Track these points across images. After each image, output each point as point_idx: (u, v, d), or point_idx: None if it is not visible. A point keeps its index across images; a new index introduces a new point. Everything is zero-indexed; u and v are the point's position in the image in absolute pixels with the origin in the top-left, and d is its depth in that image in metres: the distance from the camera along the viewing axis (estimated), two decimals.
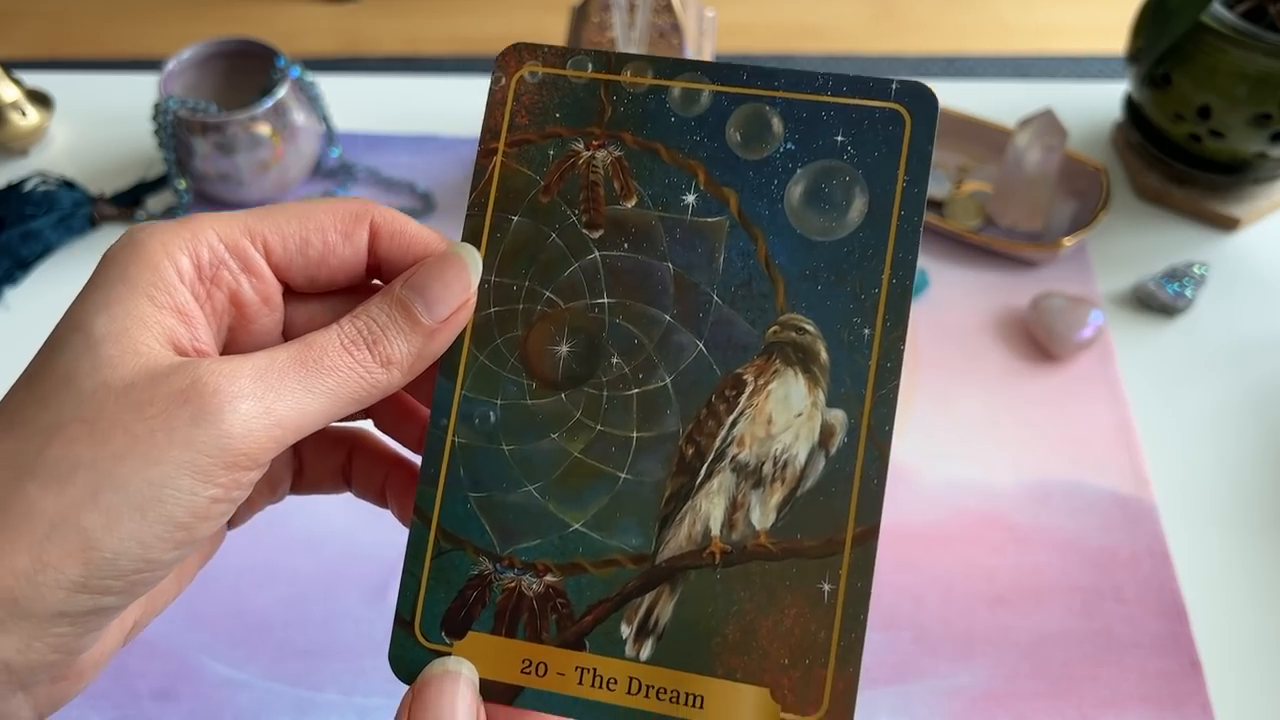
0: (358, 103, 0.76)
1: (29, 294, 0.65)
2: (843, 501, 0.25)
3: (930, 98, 0.26)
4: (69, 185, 0.68)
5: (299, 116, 0.67)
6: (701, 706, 0.25)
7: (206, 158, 0.65)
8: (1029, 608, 0.51)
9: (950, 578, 0.53)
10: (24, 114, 0.72)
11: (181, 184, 0.67)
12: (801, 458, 0.25)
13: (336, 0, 0.98)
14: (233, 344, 0.27)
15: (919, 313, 0.63)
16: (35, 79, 0.75)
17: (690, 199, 0.27)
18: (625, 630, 0.26)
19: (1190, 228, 0.68)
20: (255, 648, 0.49)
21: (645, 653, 0.25)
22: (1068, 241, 0.64)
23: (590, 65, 0.28)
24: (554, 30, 0.66)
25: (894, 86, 0.26)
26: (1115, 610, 0.51)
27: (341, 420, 0.27)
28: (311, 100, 0.68)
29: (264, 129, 0.65)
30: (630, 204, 0.27)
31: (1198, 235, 0.67)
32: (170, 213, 0.68)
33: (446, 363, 0.27)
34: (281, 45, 0.69)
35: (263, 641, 0.50)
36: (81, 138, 0.74)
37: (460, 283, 0.26)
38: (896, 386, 0.25)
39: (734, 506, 0.26)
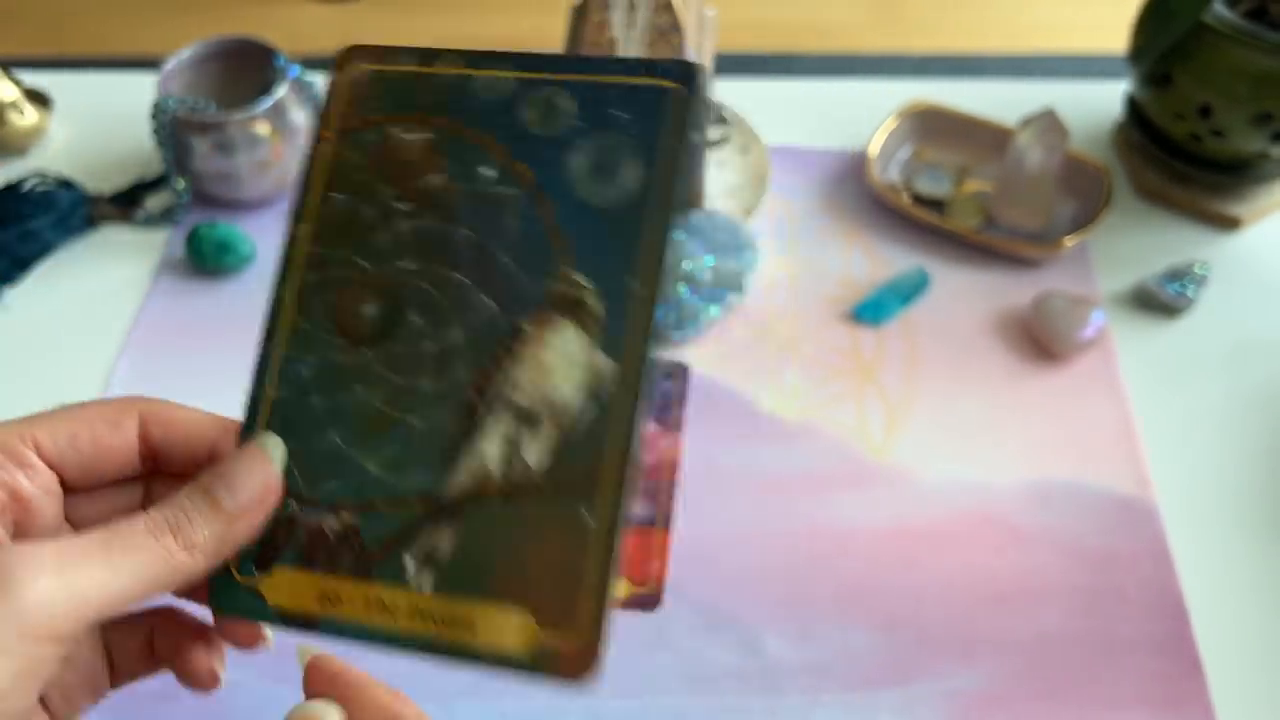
0: None
1: (28, 294, 0.65)
2: (606, 443, 0.28)
3: (692, 71, 0.29)
4: (67, 185, 0.68)
5: (298, 116, 0.67)
6: (474, 630, 0.28)
7: (205, 157, 0.65)
8: (1030, 608, 0.51)
9: (951, 578, 0.52)
10: (22, 113, 0.72)
11: (180, 183, 0.67)
12: (574, 403, 0.28)
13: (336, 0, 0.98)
14: (19, 537, 0.28)
15: (920, 312, 0.63)
16: (34, 78, 0.75)
17: (491, 173, 0.30)
18: (410, 563, 0.28)
19: (1191, 227, 0.68)
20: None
21: (427, 583, 0.28)
22: (1069, 241, 0.63)
23: (413, 60, 0.31)
24: (554, 30, 0.66)
25: (660, 65, 0.29)
26: (1116, 611, 0.51)
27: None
28: (311, 100, 0.68)
29: (263, 128, 0.65)
30: (438, 179, 0.30)
31: (1199, 235, 0.67)
32: (169, 212, 0.68)
33: (269, 326, 0.31)
34: (280, 44, 0.69)
35: None
36: (80, 137, 0.74)
37: (264, 472, 0.28)
38: (656, 337, 0.29)
39: (511, 448, 0.28)
